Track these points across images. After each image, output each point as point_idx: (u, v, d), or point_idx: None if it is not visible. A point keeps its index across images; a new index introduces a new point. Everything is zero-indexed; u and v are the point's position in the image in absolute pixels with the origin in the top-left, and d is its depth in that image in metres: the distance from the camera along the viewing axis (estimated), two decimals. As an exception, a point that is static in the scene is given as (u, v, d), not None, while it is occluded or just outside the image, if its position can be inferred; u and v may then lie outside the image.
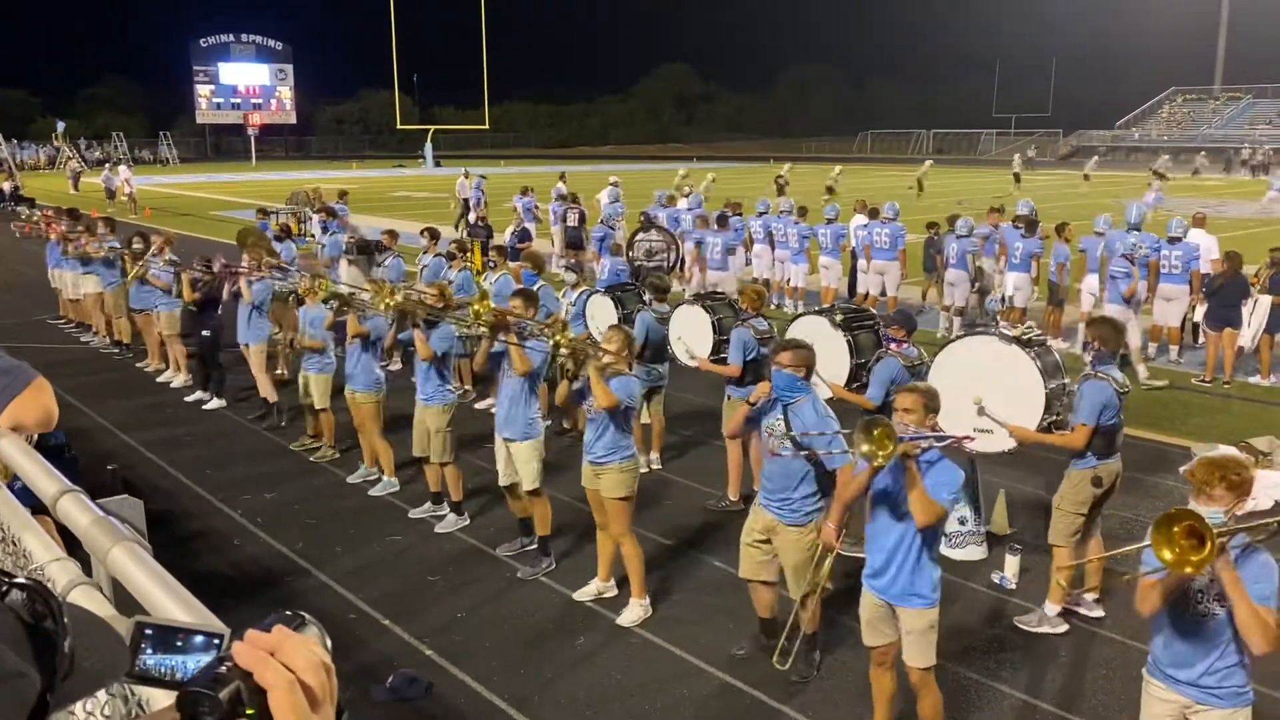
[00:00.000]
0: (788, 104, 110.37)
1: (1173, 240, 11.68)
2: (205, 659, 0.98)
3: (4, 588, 0.93)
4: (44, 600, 0.92)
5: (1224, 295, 11.04)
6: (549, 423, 9.50)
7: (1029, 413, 6.06)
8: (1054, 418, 6.10)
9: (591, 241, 16.32)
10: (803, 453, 5.10)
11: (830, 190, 25.14)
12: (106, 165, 42.21)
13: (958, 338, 7.10)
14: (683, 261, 15.35)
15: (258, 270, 9.62)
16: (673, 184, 25.72)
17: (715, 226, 14.47)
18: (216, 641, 1.00)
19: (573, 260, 11.89)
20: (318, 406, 8.71)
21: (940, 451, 4.37)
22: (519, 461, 6.57)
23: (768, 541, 5.31)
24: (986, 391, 6.22)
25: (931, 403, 4.48)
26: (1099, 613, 5.94)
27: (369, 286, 7.90)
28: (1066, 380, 6.32)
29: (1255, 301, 11.11)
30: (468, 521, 7.35)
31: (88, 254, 12.34)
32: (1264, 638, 3.36)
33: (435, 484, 7.47)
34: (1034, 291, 13.23)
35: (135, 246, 11.10)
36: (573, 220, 18.35)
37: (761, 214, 16.07)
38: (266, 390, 9.73)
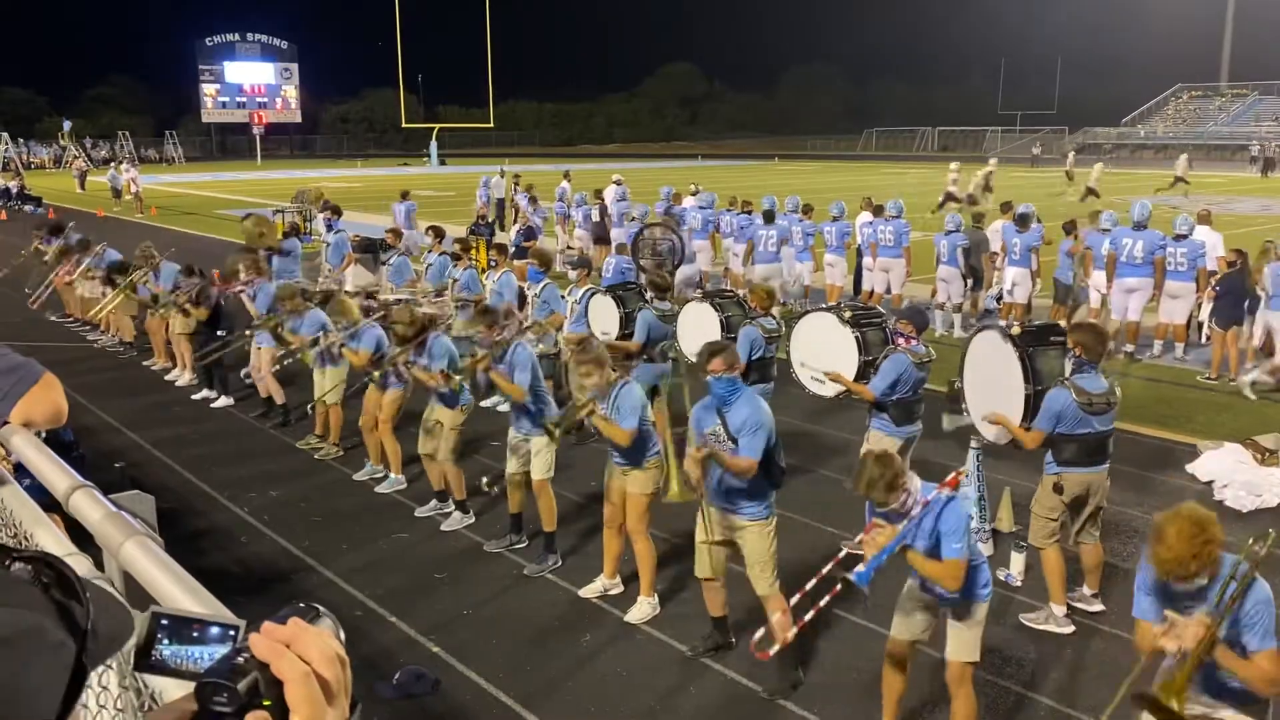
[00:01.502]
0: (791, 103, 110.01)
1: (1178, 237, 11.65)
2: (221, 650, 0.98)
3: (8, 562, 0.92)
4: (54, 571, 0.92)
5: (1230, 293, 11.00)
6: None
7: (1015, 410, 6.13)
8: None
9: (627, 237, 16.29)
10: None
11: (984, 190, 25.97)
12: (112, 164, 42.30)
13: (977, 331, 7.12)
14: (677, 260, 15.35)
15: (251, 278, 9.75)
16: (947, 181, 26.63)
17: (763, 221, 14.51)
18: (232, 633, 1.01)
19: (575, 256, 11.89)
20: (330, 402, 8.73)
21: (939, 494, 4.26)
22: (534, 452, 6.61)
23: (730, 542, 5.35)
24: (990, 385, 6.27)
25: (887, 480, 4.19)
26: (1098, 606, 5.95)
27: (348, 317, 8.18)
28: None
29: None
30: (473, 519, 7.36)
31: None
32: (1269, 687, 3.39)
33: (438, 482, 7.48)
34: (1036, 285, 13.21)
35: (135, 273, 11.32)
36: (594, 217, 18.40)
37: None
38: (274, 390, 9.74)
